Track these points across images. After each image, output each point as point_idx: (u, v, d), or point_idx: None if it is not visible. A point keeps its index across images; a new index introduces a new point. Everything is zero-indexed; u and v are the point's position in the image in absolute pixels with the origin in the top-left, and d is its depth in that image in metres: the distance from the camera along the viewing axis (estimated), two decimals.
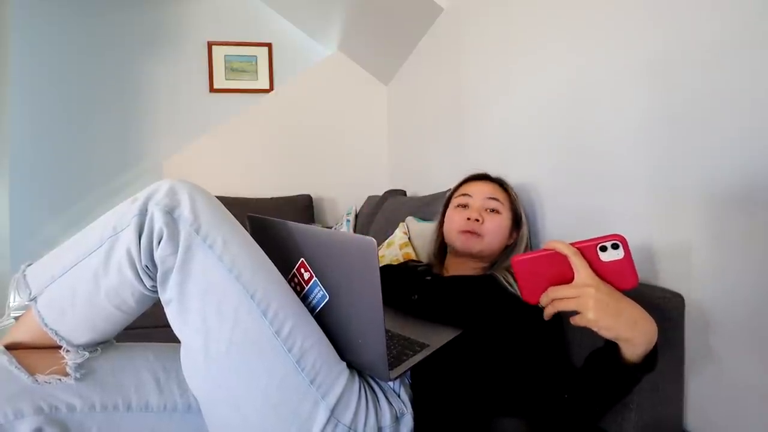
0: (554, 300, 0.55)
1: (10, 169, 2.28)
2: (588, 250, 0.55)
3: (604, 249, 0.55)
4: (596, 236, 0.56)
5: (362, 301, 0.60)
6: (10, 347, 0.60)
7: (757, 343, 0.61)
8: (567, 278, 0.55)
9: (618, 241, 0.54)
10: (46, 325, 0.59)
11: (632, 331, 0.53)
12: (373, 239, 0.56)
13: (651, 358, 0.57)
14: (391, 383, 0.69)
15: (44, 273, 0.61)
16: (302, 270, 0.66)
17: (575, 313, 0.55)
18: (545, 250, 0.57)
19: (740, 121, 0.62)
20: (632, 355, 0.55)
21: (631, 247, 0.55)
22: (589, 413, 0.64)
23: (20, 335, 0.61)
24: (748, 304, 0.61)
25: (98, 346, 0.63)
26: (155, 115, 2.84)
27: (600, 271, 0.55)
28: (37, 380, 0.56)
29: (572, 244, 0.56)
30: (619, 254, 0.54)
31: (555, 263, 0.56)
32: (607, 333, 0.53)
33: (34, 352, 0.60)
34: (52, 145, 2.74)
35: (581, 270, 0.54)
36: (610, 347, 0.57)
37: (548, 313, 0.56)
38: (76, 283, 0.59)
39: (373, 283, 0.57)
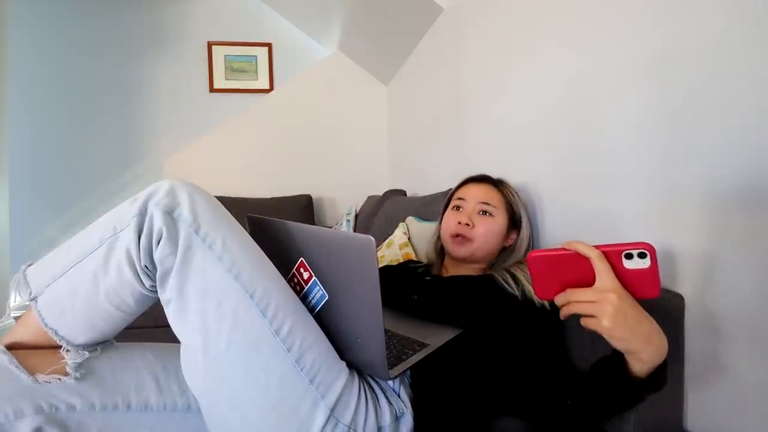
0: (572, 302, 0.53)
1: (10, 169, 2.28)
2: (612, 255, 0.52)
3: (629, 256, 0.51)
4: (623, 242, 0.53)
5: (361, 299, 0.60)
6: (11, 347, 0.60)
7: (758, 343, 0.61)
8: (585, 280, 0.53)
9: (646, 251, 0.51)
10: (45, 324, 0.59)
11: (644, 347, 0.51)
12: (372, 238, 0.56)
13: (659, 375, 0.55)
14: (390, 383, 0.69)
15: (44, 273, 0.61)
16: (302, 270, 0.66)
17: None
18: (564, 249, 0.54)
19: (740, 120, 0.62)
20: (639, 371, 0.53)
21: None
22: (590, 420, 0.64)
23: (21, 335, 0.61)
24: (748, 304, 0.61)
25: (98, 345, 0.63)
26: (155, 115, 2.84)
27: (621, 277, 0.52)
28: (37, 380, 0.56)
29: (596, 247, 0.52)
30: (645, 263, 0.51)
31: (574, 264, 0.53)
32: (618, 344, 0.51)
33: (35, 352, 0.60)
34: (52, 145, 2.74)
35: (604, 275, 0.51)
36: (617, 359, 0.55)
37: (564, 314, 0.54)
38: (76, 283, 0.59)
39: (372, 281, 0.57)
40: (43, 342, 0.60)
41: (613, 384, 0.57)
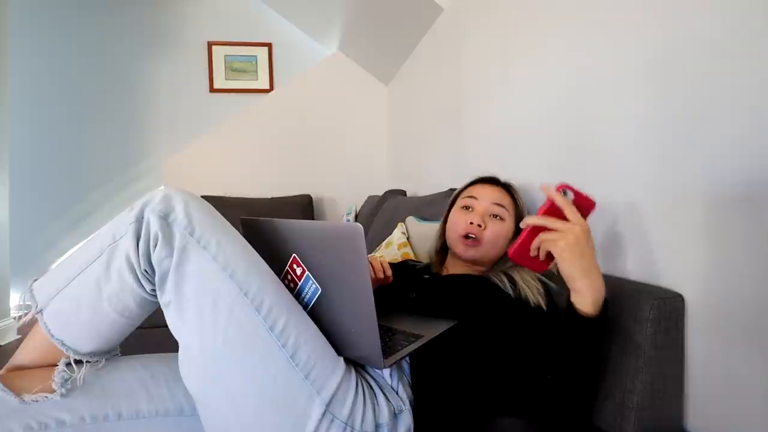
0: (546, 228, 0.63)
1: (10, 169, 2.28)
2: (552, 210, 0.64)
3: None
4: (542, 206, 0.65)
5: (352, 288, 0.60)
6: (14, 370, 0.62)
7: (758, 342, 0.60)
8: None
9: (564, 189, 0.65)
10: (52, 336, 0.60)
11: (583, 277, 0.62)
12: (360, 225, 0.57)
13: (602, 313, 0.64)
14: (389, 380, 0.69)
15: (50, 286, 0.62)
16: (294, 266, 0.67)
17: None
18: (526, 228, 0.65)
19: (741, 120, 0.61)
20: (583, 305, 0.63)
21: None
22: (572, 387, 0.66)
23: (25, 356, 0.63)
24: (748, 304, 0.61)
25: (103, 356, 0.65)
26: (155, 115, 2.84)
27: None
28: (24, 400, 0.57)
29: (540, 213, 0.64)
30: (570, 197, 0.65)
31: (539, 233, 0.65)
32: (563, 265, 0.62)
33: (21, 374, 0.62)
34: (52, 145, 2.74)
35: (571, 217, 0.63)
36: (567, 305, 0.65)
37: (527, 223, 0.64)
38: (79, 292, 0.60)
39: (361, 268, 0.58)
40: (47, 360, 0.62)
41: (566, 324, 0.65)
